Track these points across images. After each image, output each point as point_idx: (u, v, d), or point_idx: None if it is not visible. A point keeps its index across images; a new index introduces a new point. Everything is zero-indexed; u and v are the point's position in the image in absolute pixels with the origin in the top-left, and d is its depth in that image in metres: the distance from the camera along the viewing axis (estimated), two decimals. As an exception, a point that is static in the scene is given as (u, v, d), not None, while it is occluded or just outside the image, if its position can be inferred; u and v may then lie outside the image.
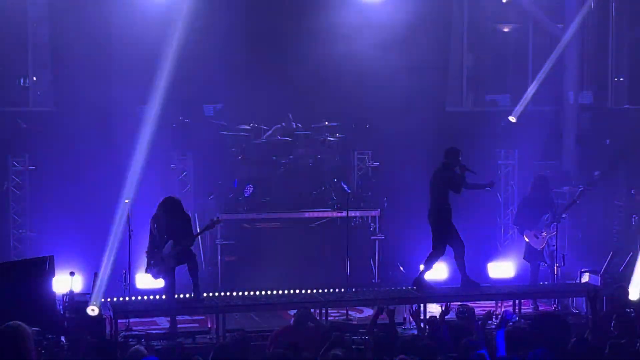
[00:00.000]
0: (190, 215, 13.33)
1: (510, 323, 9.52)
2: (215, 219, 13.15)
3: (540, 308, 14.04)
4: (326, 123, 15.98)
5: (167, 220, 12.64)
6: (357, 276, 14.96)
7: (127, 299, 13.25)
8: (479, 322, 9.76)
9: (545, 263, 14.42)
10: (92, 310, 11.85)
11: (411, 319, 13.15)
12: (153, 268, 12.69)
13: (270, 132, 16.06)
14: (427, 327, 10.88)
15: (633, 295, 12.52)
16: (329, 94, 16.63)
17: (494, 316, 11.26)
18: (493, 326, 10.28)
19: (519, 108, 17.57)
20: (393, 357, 8.52)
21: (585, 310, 13.69)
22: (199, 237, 14.44)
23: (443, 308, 10.49)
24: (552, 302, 14.25)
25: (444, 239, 13.28)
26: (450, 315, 10.68)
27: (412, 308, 12.76)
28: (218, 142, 15.86)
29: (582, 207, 15.93)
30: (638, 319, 10.39)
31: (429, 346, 8.77)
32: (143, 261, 12.98)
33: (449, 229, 13.27)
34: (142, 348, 9.12)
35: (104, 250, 15.03)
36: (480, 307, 13.36)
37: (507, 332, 8.85)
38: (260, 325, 13.16)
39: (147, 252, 12.72)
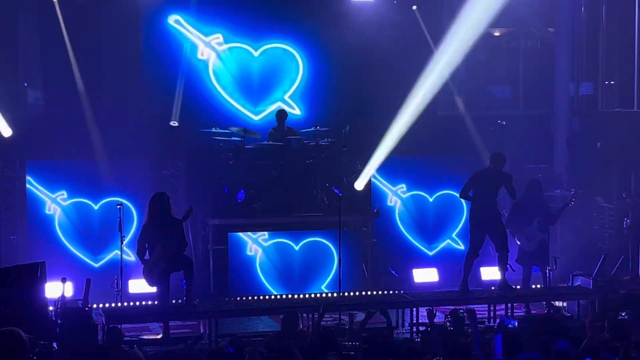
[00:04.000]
0: (179, 218, 13.30)
1: (510, 326, 9.52)
2: (188, 207, 13.15)
3: (533, 312, 14.05)
4: (317, 127, 15.98)
5: (155, 221, 12.61)
6: (349, 280, 14.97)
7: (119, 304, 13.23)
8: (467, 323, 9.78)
9: (535, 266, 14.46)
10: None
11: (404, 323, 13.19)
12: (147, 275, 12.68)
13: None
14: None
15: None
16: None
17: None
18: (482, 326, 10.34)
19: (509, 111, 17.64)
20: None
21: (577, 313, 13.75)
22: (191, 243, 14.46)
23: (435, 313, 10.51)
24: (544, 305, 14.27)
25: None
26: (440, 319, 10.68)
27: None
28: (210, 147, 15.84)
29: (573, 211, 15.96)
30: (631, 323, 10.41)
31: (414, 349, 8.77)
32: (136, 266, 12.97)
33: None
34: (139, 352, 9.11)
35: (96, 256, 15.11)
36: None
37: (500, 336, 8.86)
38: (252, 330, 13.15)
39: (137, 255, 12.75)
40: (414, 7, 17.36)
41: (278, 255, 15.22)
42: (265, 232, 15.25)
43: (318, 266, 15.33)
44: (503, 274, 13.79)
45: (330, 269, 15.20)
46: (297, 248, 15.30)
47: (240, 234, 15.16)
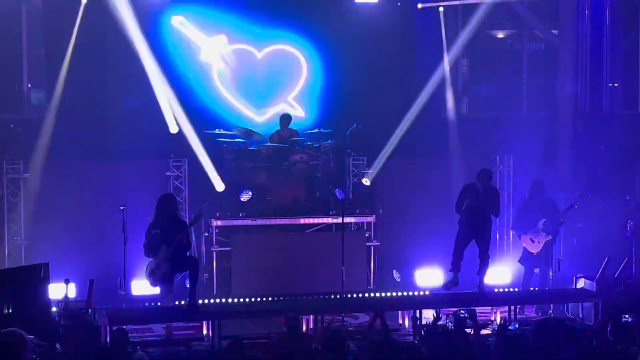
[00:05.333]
0: (185, 221, 13.32)
1: (511, 328, 9.51)
2: (198, 212, 13.14)
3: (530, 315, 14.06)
4: (321, 129, 15.98)
5: (161, 222, 12.61)
6: (352, 282, 14.97)
7: (122, 306, 13.22)
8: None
9: (539, 268, 14.44)
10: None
11: (407, 324, 13.19)
12: (150, 276, 12.68)
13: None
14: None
15: None
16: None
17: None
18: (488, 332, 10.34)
19: (513, 113, 17.64)
20: None
21: (580, 315, 13.74)
22: (194, 244, 14.47)
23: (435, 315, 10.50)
24: (537, 309, 14.29)
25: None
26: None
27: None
28: (213, 148, 15.85)
29: (577, 213, 15.95)
30: (635, 326, 10.39)
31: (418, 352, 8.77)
32: (141, 267, 12.97)
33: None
34: (144, 355, 9.11)
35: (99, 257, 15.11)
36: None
37: (505, 339, 8.85)
38: (255, 332, 13.16)
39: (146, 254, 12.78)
40: (419, 6, 17.35)
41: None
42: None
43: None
44: (482, 276, 13.70)
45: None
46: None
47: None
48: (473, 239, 13.66)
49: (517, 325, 11.74)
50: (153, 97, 16.12)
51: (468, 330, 10.15)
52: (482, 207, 13.57)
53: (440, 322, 10.64)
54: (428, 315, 13.31)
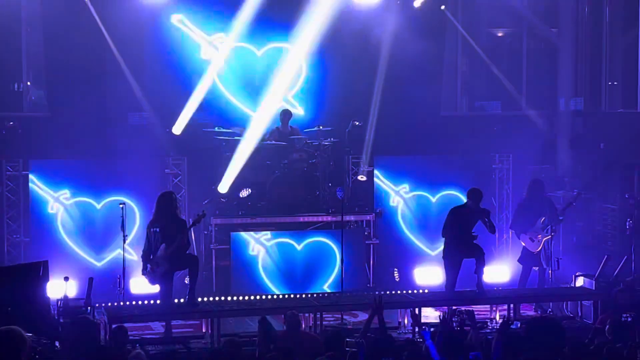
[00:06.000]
0: (185, 219, 13.32)
1: (512, 327, 9.51)
2: (201, 212, 13.14)
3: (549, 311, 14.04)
4: (320, 127, 15.99)
5: (161, 220, 12.61)
6: (351, 280, 14.98)
7: (121, 303, 13.23)
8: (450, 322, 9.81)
9: (539, 267, 14.44)
10: None
11: (406, 323, 13.19)
12: (149, 274, 12.67)
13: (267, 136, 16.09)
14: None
15: None
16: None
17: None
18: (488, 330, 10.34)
19: (512, 112, 17.67)
20: None
21: (579, 314, 13.75)
22: (193, 242, 14.46)
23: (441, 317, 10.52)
24: (536, 307, 14.30)
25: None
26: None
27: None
28: (212, 146, 15.85)
29: (576, 211, 15.96)
30: (635, 325, 10.40)
31: (418, 350, 8.77)
32: (139, 265, 12.98)
33: None
34: (142, 353, 9.11)
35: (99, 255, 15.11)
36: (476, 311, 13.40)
37: (502, 337, 8.85)
38: (255, 330, 13.15)
39: (142, 256, 12.72)
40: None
41: (280, 254, 15.24)
42: (268, 232, 15.25)
43: (320, 266, 15.34)
44: (480, 275, 13.68)
45: (333, 268, 15.21)
46: (299, 248, 15.31)
47: (243, 234, 15.18)
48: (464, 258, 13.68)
49: (519, 325, 11.73)
50: (153, 97, 16.16)
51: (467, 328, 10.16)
52: (470, 228, 13.56)
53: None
54: (427, 313, 13.37)
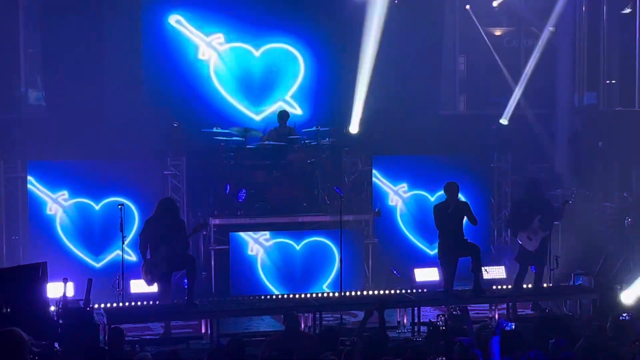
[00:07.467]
0: (184, 220, 13.33)
1: (507, 329, 9.51)
2: (202, 221, 13.15)
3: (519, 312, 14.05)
4: (318, 127, 16.00)
5: (161, 222, 12.62)
6: (350, 280, 14.98)
7: (120, 304, 13.23)
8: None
9: (535, 266, 14.45)
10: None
11: (405, 322, 13.20)
12: (147, 275, 12.68)
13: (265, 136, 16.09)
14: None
15: (626, 300, 12.59)
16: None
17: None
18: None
19: (510, 111, 17.66)
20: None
21: (578, 312, 13.75)
22: (191, 243, 14.46)
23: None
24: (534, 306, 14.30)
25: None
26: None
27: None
28: (211, 146, 15.85)
29: (575, 210, 15.96)
30: (633, 323, 10.41)
31: (418, 348, 8.79)
32: (138, 265, 12.98)
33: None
34: (148, 355, 9.11)
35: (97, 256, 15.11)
36: (474, 310, 13.41)
37: (501, 334, 8.86)
38: (254, 330, 13.17)
39: (139, 249, 12.76)
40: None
41: (279, 255, 15.23)
42: (267, 232, 15.25)
43: (319, 266, 15.34)
44: (478, 273, 13.72)
45: (332, 268, 15.21)
46: (298, 248, 15.31)
47: (242, 234, 15.18)
48: (459, 258, 13.70)
49: (513, 327, 11.75)
50: (151, 97, 16.16)
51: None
52: (456, 228, 13.57)
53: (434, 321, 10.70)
54: (426, 312, 13.38)
